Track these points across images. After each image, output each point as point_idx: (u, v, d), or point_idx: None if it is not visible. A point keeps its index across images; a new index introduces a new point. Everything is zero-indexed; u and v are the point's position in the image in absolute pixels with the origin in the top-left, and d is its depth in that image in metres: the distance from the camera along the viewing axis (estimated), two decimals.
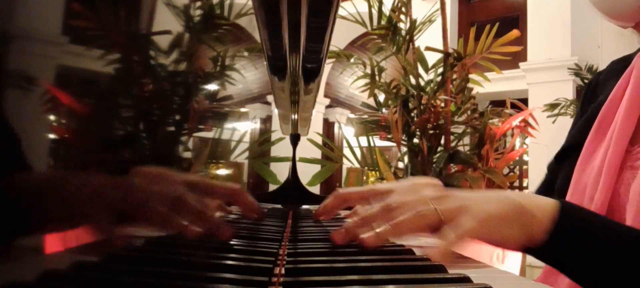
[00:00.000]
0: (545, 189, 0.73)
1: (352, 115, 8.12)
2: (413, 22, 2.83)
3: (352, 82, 3.32)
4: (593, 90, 0.73)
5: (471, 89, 2.90)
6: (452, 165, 2.80)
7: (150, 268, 0.28)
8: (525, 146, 5.09)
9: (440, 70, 2.83)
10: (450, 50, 2.80)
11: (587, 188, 0.59)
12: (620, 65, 0.68)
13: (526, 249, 0.47)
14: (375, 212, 0.46)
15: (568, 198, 0.62)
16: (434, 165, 2.70)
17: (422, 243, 0.46)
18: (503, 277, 0.33)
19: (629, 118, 0.59)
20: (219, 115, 3.12)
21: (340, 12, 2.28)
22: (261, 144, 3.65)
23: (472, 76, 2.84)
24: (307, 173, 2.41)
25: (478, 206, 0.44)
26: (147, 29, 3.40)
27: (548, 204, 0.45)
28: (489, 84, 2.86)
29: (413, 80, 2.84)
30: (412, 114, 2.83)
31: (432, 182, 0.73)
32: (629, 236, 0.43)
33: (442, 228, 0.42)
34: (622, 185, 0.57)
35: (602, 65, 3.83)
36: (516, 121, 2.82)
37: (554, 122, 4.20)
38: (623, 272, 0.41)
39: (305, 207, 0.99)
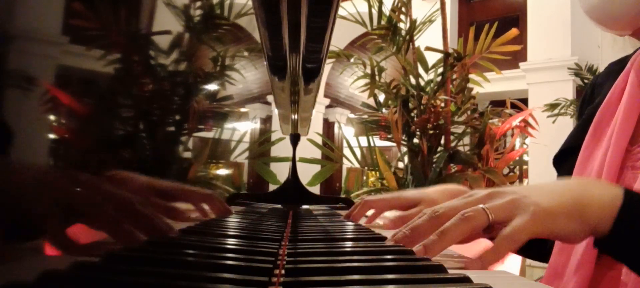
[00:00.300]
0: None
1: (352, 115, 8.11)
2: (413, 22, 2.83)
3: (352, 82, 3.32)
4: (591, 93, 0.73)
5: (471, 89, 2.90)
6: (452, 165, 2.80)
7: (150, 268, 0.28)
8: (525, 146, 5.09)
9: (440, 70, 2.83)
10: (450, 50, 2.80)
11: None
12: (617, 67, 0.68)
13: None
14: (423, 221, 0.43)
15: None
16: (434, 165, 2.70)
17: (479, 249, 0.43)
18: (503, 277, 0.33)
19: (628, 118, 0.59)
20: (219, 115, 3.13)
21: (340, 12, 2.27)
22: (261, 143, 3.66)
23: (472, 76, 2.84)
24: (307, 173, 2.41)
25: (531, 200, 0.40)
26: (147, 29, 3.40)
27: (611, 192, 0.42)
28: (489, 84, 2.86)
29: (413, 80, 2.84)
30: (412, 114, 2.83)
31: (463, 188, 0.73)
32: None
33: (497, 232, 0.39)
34: (623, 185, 0.57)
35: (602, 65, 3.83)
36: (516, 121, 2.82)
37: (554, 122, 4.21)
38: None
39: (305, 207, 0.99)
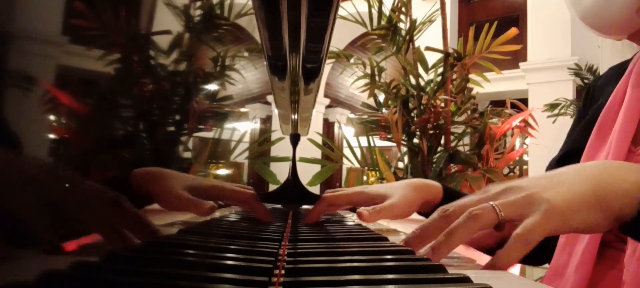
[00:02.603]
0: None
1: (352, 115, 8.11)
2: (413, 22, 2.83)
3: (352, 82, 3.32)
4: (592, 95, 0.74)
5: (471, 89, 2.90)
6: (452, 165, 2.80)
7: (150, 268, 0.28)
8: (525, 146, 5.09)
9: (440, 70, 2.83)
10: (450, 50, 2.80)
11: None
12: (617, 71, 0.69)
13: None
14: (432, 220, 0.41)
15: None
16: (434, 165, 2.70)
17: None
18: (503, 277, 0.33)
19: (630, 120, 0.59)
20: (219, 115, 3.13)
21: (340, 12, 2.27)
22: (261, 144, 3.65)
23: (472, 76, 2.84)
24: (307, 173, 2.41)
25: (546, 196, 0.37)
26: (147, 29, 3.40)
27: (634, 173, 0.39)
28: (489, 84, 2.86)
29: (413, 80, 2.84)
30: (412, 114, 2.83)
31: (429, 182, 0.71)
32: None
33: (509, 231, 0.37)
34: None
35: (602, 65, 3.83)
36: (516, 121, 2.82)
37: (554, 122, 4.21)
38: None
39: (305, 207, 0.99)
